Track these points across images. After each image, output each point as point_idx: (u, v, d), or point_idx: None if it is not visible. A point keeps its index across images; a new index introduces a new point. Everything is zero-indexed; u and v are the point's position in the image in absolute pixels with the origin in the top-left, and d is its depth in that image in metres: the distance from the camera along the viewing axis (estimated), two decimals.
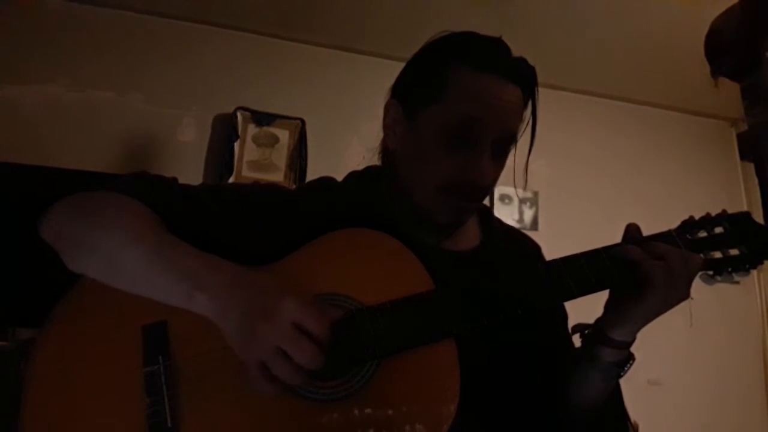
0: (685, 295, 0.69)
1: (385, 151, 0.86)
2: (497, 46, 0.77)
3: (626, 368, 0.73)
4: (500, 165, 0.79)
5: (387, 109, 0.83)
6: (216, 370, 0.64)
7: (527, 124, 0.80)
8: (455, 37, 0.79)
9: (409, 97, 0.80)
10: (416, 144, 0.78)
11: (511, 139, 0.78)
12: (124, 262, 0.66)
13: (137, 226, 0.68)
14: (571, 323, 0.87)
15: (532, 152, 0.82)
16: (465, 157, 0.74)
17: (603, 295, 0.74)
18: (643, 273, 0.67)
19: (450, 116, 0.74)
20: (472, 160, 0.74)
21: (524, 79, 0.77)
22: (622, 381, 0.77)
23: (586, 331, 0.76)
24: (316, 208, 0.78)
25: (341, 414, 0.63)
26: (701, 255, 0.71)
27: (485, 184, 0.76)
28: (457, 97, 0.74)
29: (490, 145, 0.74)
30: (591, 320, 0.77)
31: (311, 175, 2.45)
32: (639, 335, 0.72)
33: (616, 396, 0.78)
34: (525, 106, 0.79)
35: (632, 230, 0.73)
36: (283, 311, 0.58)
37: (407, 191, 0.79)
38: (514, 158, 0.83)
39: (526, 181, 0.84)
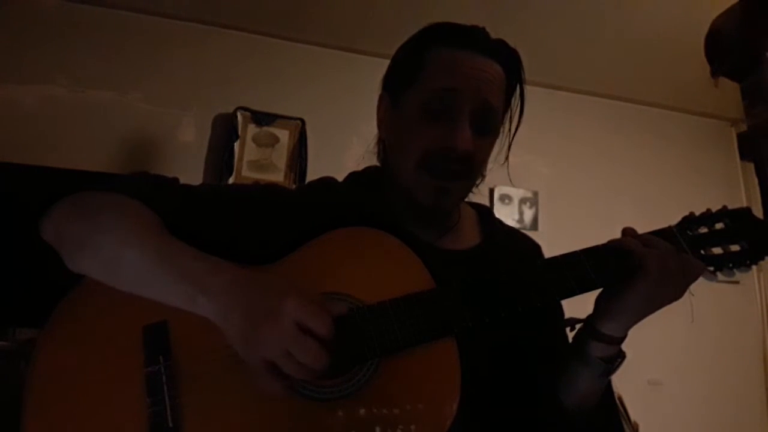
0: (678, 295, 0.69)
1: (381, 145, 0.88)
2: (475, 28, 0.79)
3: (615, 365, 0.72)
4: (484, 142, 0.78)
5: (379, 102, 0.85)
6: (217, 370, 0.64)
7: (517, 107, 0.81)
8: (435, 25, 0.82)
9: (393, 85, 0.83)
10: (400, 126, 0.80)
11: (491, 114, 0.78)
12: (125, 263, 0.65)
13: (138, 227, 0.68)
14: None
15: (533, 152, 0.83)
16: (443, 127, 0.75)
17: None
18: (636, 259, 0.67)
19: (427, 91, 0.76)
20: (450, 129, 0.74)
21: (503, 57, 0.78)
22: (622, 381, 0.76)
23: (577, 325, 0.76)
24: (317, 208, 0.78)
25: (342, 413, 0.63)
26: (703, 261, 0.71)
27: (463, 152, 0.74)
28: (434, 72, 0.76)
29: (469, 115, 0.75)
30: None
31: (311, 175, 2.45)
32: (640, 336, 0.72)
33: (606, 398, 0.77)
34: (511, 87, 0.80)
35: (628, 233, 0.73)
36: (285, 312, 0.57)
37: (396, 176, 0.81)
38: (508, 154, 0.84)
39: (507, 156, 0.85)
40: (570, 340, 0.77)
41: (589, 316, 0.74)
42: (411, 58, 0.80)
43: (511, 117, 0.83)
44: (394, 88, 0.82)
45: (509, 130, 0.83)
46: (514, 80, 0.80)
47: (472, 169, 0.78)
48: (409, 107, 0.78)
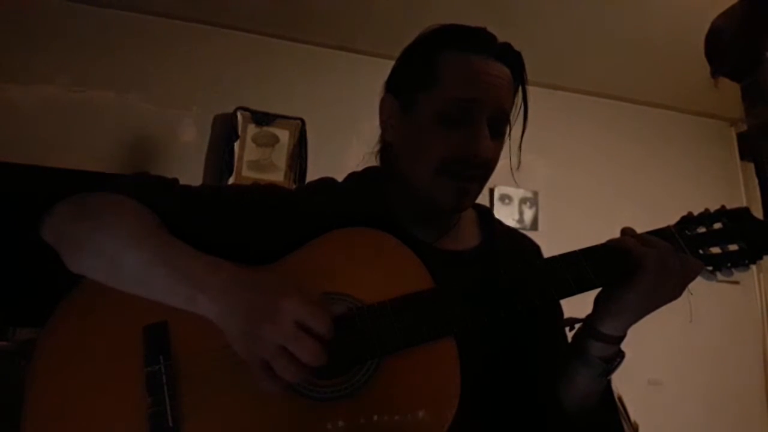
0: (677, 294, 0.69)
1: (384, 148, 0.88)
2: (483, 31, 0.80)
3: (614, 365, 0.73)
4: (498, 145, 0.79)
5: (382, 104, 0.84)
6: (217, 369, 0.64)
7: (520, 108, 0.82)
8: (442, 27, 0.81)
9: (403, 88, 0.82)
10: (414, 131, 0.79)
11: (505, 118, 0.79)
12: (125, 264, 0.66)
13: (138, 228, 0.68)
14: None
15: (533, 152, 0.83)
16: (463, 134, 0.75)
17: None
18: (634, 259, 0.68)
19: (445, 99, 0.75)
20: (470, 136, 0.75)
21: (512, 60, 0.79)
22: (622, 381, 0.76)
23: (576, 325, 0.76)
24: (316, 208, 0.79)
25: (342, 412, 0.63)
26: (701, 261, 0.71)
27: (484, 159, 0.76)
28: (451, 79, 0.76)
29: (487, 122, 0.75)
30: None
31: (311, 175, 2.45)
32: (640, 336, 0.72)
33: (606, 398, 0.77)
34: (515, 90, 0.81)
35: (627, 233, 0.74)
36: (284, 310, 0.58)
37: (407, 180, 0.80)
38: (510, 156, 0.85)
39: (519, 161, 0.86)
40: (570, 340, 0.77)
41: (588, 316, 0.74)
42: (422, 62, 0.79)
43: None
44: (403, 91, 0.81)
45: (510, 133, 0.83)
46: (518, 83, 0.81)
47: (488, 172, 0.80)
48: (424, 113, 0.77)
